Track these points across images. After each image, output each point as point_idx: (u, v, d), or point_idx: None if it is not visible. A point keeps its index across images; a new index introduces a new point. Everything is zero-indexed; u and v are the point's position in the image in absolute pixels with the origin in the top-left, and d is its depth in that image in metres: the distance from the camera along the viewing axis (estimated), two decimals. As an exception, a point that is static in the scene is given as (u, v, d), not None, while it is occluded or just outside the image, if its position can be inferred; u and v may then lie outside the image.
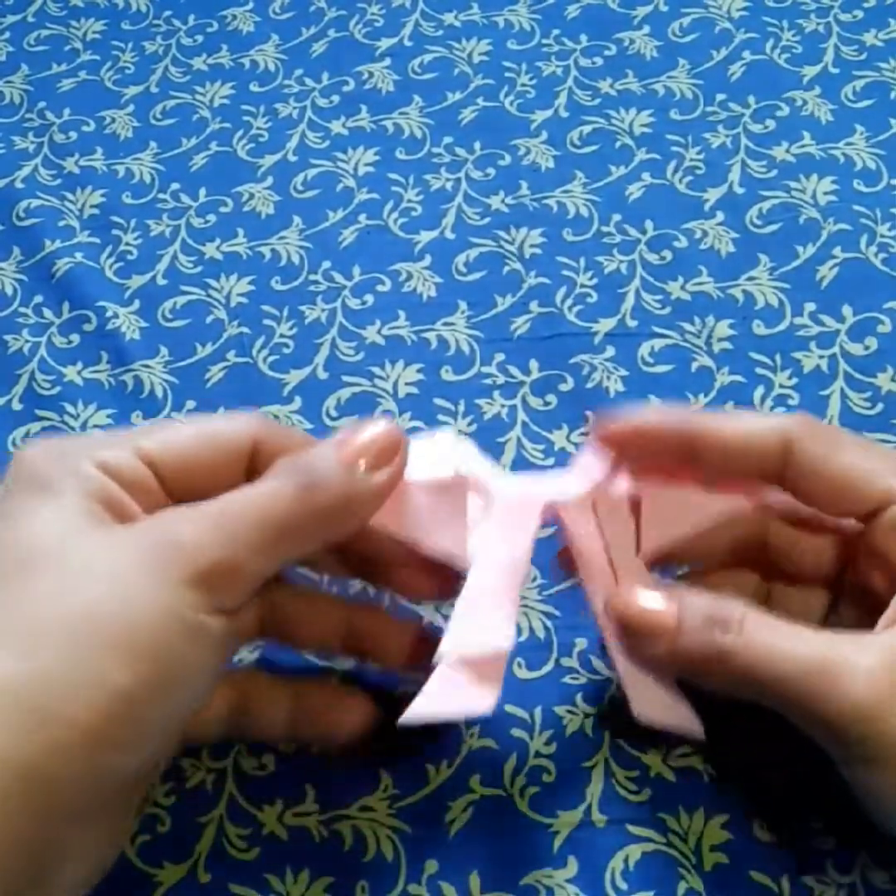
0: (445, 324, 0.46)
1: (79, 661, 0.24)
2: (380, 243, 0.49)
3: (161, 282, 0.48)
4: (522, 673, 0.36)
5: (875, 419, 0.41)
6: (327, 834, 0.33)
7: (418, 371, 0.44)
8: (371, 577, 0.33)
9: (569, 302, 0.46)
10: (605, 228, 0.49)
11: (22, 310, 0.48)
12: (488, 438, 0.42)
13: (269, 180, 0.52)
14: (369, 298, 0.47)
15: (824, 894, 0.31)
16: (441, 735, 0.34)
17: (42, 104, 0.57)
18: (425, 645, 0.31)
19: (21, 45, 0.60)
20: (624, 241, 0.48)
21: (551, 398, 0.43)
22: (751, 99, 0.53)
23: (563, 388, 0.43)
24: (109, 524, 0.26)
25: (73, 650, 0.24)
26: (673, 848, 0.32)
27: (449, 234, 0.49)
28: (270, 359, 0.45)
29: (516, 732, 0.35)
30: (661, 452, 0.29)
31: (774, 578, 0.32)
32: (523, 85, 0.55)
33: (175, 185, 0.52)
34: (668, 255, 0.47)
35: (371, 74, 0.57)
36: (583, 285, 0.47)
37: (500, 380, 0.44)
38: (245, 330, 0.46)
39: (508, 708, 0.35)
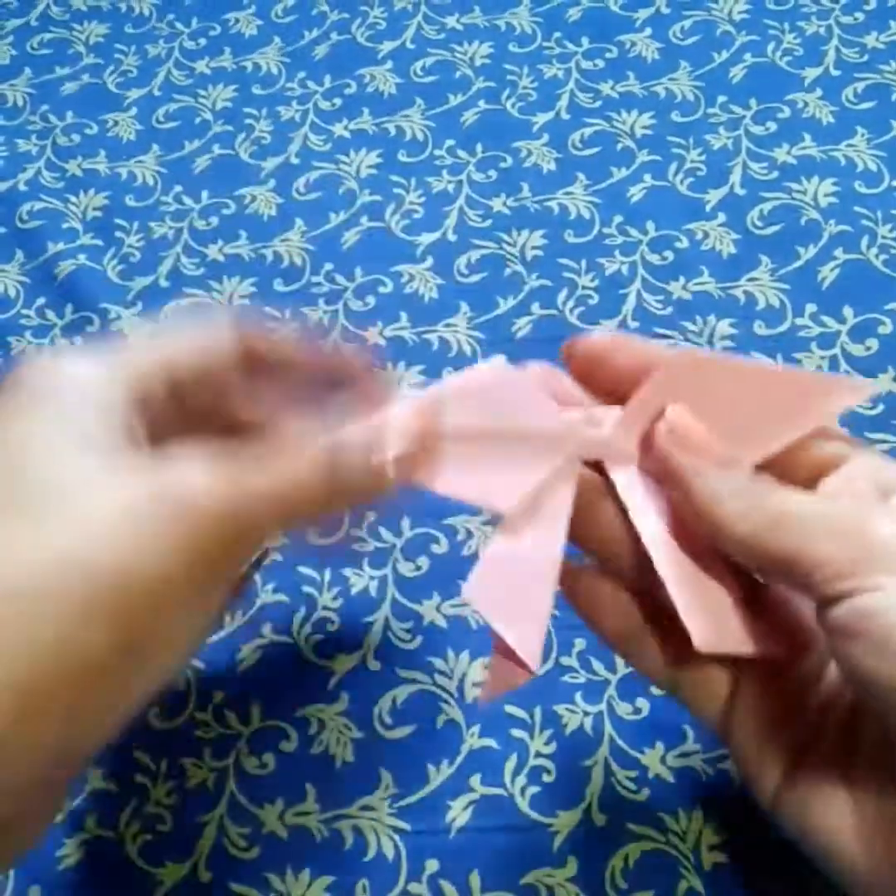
0: (447, 325, 0.46)
1: (64, 614, 0.22)
2: (382, 245, 0.49)
3: (164, 284, 0.49)
4: (523, 673, 0.36)
5: (875, 419, 0.41)
6: (328, 833, 0.33)
7: (420, 372, 0.45)
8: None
9: (570, 303, 0.46)
10: (606, 230, 0.49)
11: (25, 312, 0.48)
12: (489, 439, 0.42)
13: (272, 183, 0.52)
14: (371, 300, 0.47)
15: (825, 894, 0.31)
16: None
17: (45, 107, 0.57)
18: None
19: (24, 49, 0.60)
20: (625, 242, 0.48)
21: (552, 399, 0.43)
22: (752, 101, 0.54)
23: (564, 389, 0.43)
24: (120, 451, 0.24)
25: (63, 601, 0.22)
26: (672, 847, 0.32)
27: (451, 236, 0.49)
28: (272, 360, 0.45)
29: (516, 732, 0.35)
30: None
31: None
32: (525, 87, 0.55)
33: (178, 188, 0.53)
34: (669, 256, 0.48)
35: (373, 77, 0.57)
36: (584, 287, 0.47)
37: (502, 381, 0.44)
38: (247, 331, 0.46)
39: (508, 708, 0.35)
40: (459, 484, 0.29)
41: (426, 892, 0.32)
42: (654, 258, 0.48)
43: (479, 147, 0.53)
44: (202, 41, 0.60)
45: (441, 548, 0.39)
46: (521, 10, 0.59)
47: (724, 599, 0.28)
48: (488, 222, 0.50)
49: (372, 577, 0.39)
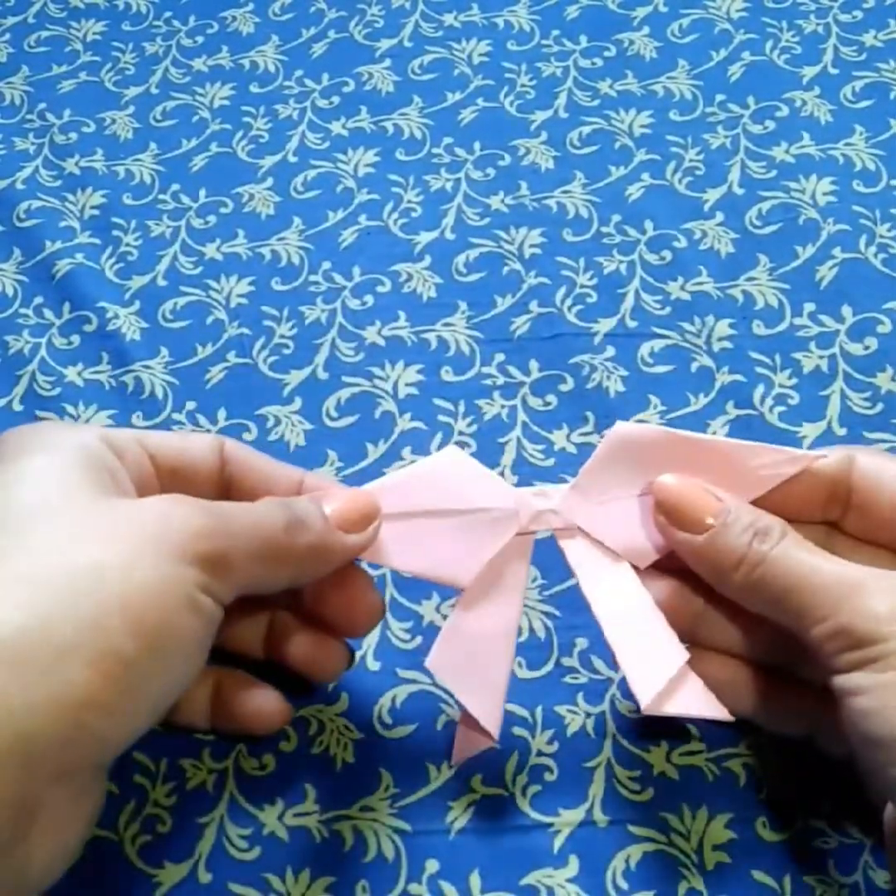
0: (445, 324, 0.46)
1: (80, 618, 0.23)
2: (380, 244, 0.49)
3: (161, 282, 0.48)
4: (523, 672, 0.36)
5: (875, 419, 0.41)
6: (328, 834, 0.33)
7: (418, 371, 0.44)
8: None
9: (568, 302, 0.46)
10: (604, 229, 0.49)
11: (22, 311, 0.48)
12: (488, 439, 0.42)
13: (269, 181, 0.52)
14: (369, 299, 0.47)
15: (826, 894, 0.31)
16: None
17: (42, 105, 0.57)
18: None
19: (21, 47, 0.60)
20: (624, 241, 0.48)
21: (551, 398, 0.43)
22: (750, 100, 0.53)
23: (563, 388, 0.43)
24: (110, 491, 0.27)
25: (74, 607, 0.23)
26: (675, 847, 0.32)
27: (449, 235, 0.49)
28: (270, 359, 0.45)
29: (517, 731, 0.35)
30: None
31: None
32: (523, 86, 0.55)
33: (175, 186, 0.52)
34: (667, 255, 0.48)
35: (371, 75, 0.57)
36: (583, 285, 0.47)
37: (500, 380, 0.44)
38: (245, 331, 0.46)
39: (509, 707, 0.35)
40: (417, 561, 0.31)
41: (426, 892, 0.32)
42: (652, 257, 0.48)
43: (477, 145, 0.53)
44: (200, 39, 0.60)
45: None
46: (520, 7, 0.59)
47: (673, 666, 0.30)
48: (486, 221, 0.50)
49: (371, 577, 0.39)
